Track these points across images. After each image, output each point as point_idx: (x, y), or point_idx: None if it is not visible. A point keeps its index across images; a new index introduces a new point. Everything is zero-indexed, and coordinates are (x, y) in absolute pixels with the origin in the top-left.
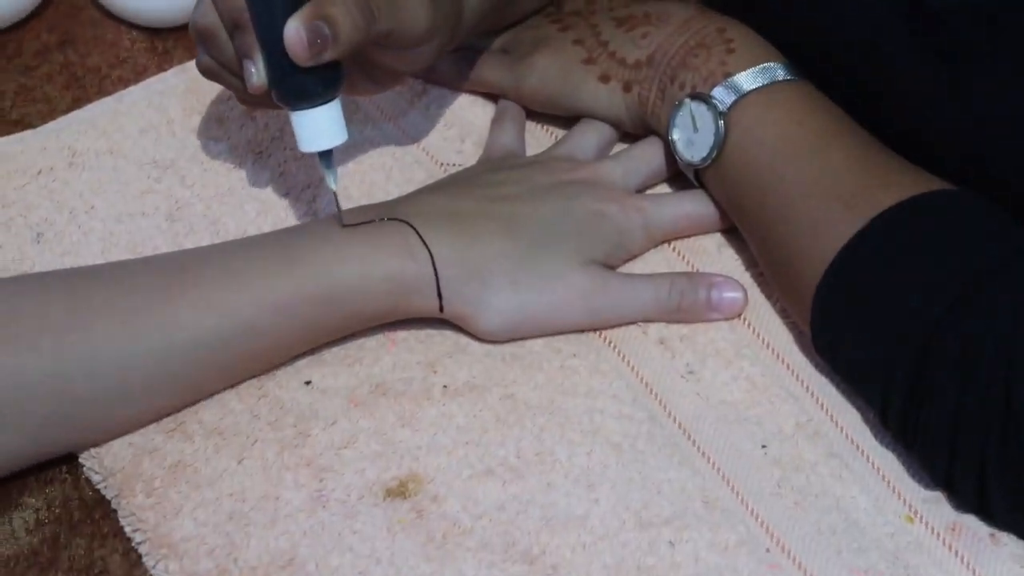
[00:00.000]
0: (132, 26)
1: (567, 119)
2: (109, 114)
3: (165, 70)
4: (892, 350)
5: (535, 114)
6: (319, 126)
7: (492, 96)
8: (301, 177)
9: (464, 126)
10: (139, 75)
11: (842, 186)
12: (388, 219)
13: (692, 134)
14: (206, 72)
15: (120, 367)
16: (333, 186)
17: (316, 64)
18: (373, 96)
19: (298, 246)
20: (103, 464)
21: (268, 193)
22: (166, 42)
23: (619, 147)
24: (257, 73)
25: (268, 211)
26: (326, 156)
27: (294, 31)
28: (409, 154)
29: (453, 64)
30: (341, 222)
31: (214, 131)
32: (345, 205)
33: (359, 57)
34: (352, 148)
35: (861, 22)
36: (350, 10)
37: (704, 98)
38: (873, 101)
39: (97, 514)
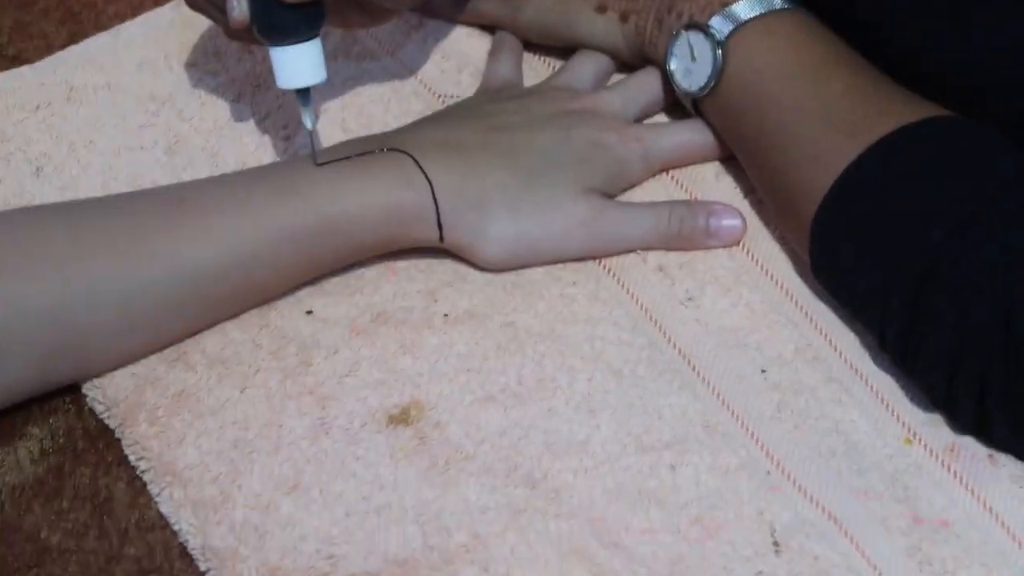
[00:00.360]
0: None
1: (564, 50)
2: (106, 49)
3: (161, 5)
4: (890, 277)
5: (532, 45)
6: (298, 64)
7: (489, 28)
8: (300, 110)
9: (461, 58)
10: (135, 10)
11: (840, 114)
12: (387, 150)
13: (690, 63)
14: (193, 5)
15: (121, 297)
16: (309, 125)
17: (299, 0)
18: (370, 30)
19: (297, 177)
20: (106, 394)
21: (267, 126)
22: None
23: (617, 77)
24: (239, 7)
25: (267, 144)
26: (304, 94)
27: None
28: (407, 86)
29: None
30: (315, 161)
31: (211, 65)
32: (342, 137)
33: None
34: (350, 80)
35: None
36: None
37: (702, 27)
38: (873, 32)
39: (101, 443)
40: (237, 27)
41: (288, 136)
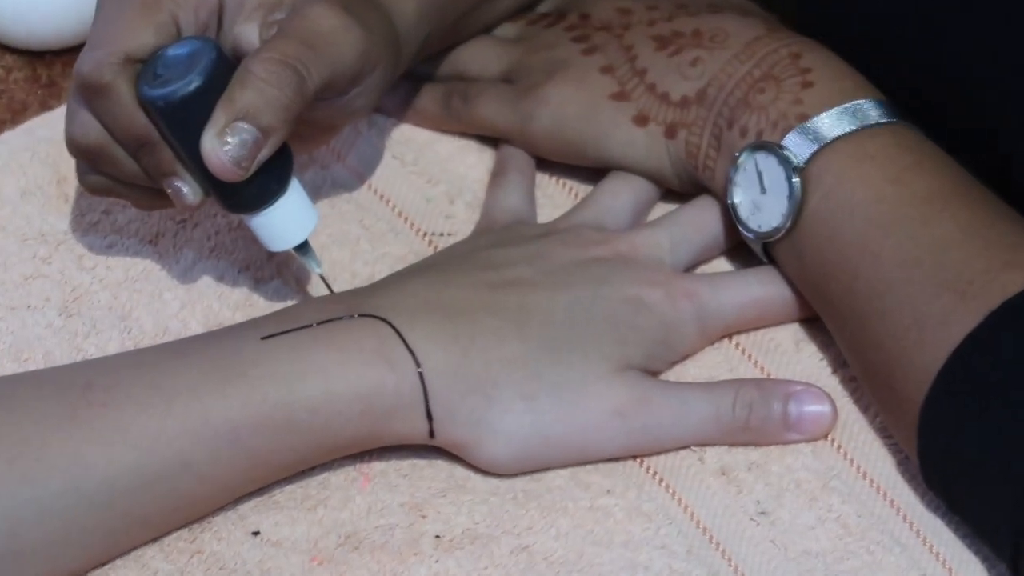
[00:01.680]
0: (7, 49)
1: (591, 171)
2: None
3: (51, 108)
4: (1022, 486)
5: (548, 163)
6: (285, 221)
7: (490, 140)
8: (239, 255)
9: (454, 182)
10: (17, 114)
11: (954, 267)
12: (359, 315)
13: (759, 196)
14: (96, 190)
15: (8, 519)
16: (318, 270)
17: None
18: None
19: (242, 355)
20: None
21: (195, 276)
22: (51, 69)
23: (661, 209)
24: (192, 191)
25: (196, 301)
26: (301, 246)
27: (212, 152)
28: (382, 220)
29: (438, 99)
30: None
31: None
32: (298, 295)
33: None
34: None
35: (978, 25)
36: (266, 89)
37: (774, 149)
38: (994, 134)
39: None
40: (189, 210)
41: (223, 292)
